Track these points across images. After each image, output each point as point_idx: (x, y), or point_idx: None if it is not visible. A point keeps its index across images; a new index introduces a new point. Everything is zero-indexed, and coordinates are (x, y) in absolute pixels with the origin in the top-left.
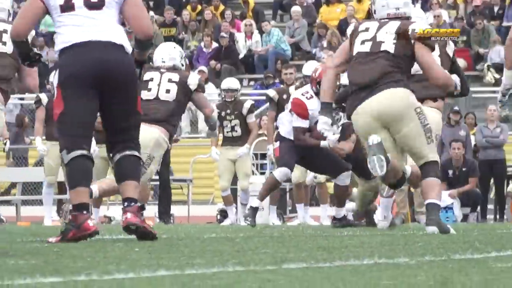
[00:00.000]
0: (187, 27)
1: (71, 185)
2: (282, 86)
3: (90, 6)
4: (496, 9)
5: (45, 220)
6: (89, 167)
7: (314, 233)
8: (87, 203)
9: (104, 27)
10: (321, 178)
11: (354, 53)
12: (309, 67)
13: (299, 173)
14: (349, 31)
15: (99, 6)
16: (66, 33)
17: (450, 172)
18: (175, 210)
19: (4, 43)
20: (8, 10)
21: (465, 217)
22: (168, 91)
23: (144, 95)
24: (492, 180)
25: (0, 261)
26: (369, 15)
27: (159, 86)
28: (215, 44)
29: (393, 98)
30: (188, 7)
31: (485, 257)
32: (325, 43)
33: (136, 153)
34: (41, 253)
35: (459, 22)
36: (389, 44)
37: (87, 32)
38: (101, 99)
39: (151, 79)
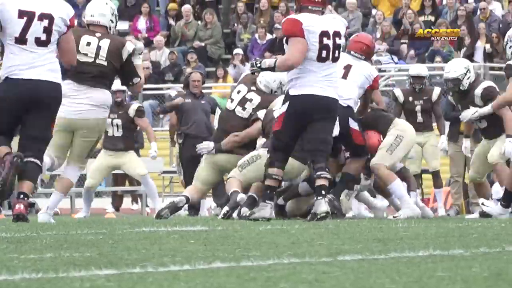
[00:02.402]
0: (240, 19)
1: None
2: None
3: None
4: None
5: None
6: None
7: (369, 225)
8: None
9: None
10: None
11: None
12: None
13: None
14: None
15: None
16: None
17: None
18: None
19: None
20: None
21: None
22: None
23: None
24: None
25: (55, 253)
26: (423, 6)
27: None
28: (269, 36)
29: None
30: None
31: None
32: (378, 34)
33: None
34: (96, 245)
35: None
36: None
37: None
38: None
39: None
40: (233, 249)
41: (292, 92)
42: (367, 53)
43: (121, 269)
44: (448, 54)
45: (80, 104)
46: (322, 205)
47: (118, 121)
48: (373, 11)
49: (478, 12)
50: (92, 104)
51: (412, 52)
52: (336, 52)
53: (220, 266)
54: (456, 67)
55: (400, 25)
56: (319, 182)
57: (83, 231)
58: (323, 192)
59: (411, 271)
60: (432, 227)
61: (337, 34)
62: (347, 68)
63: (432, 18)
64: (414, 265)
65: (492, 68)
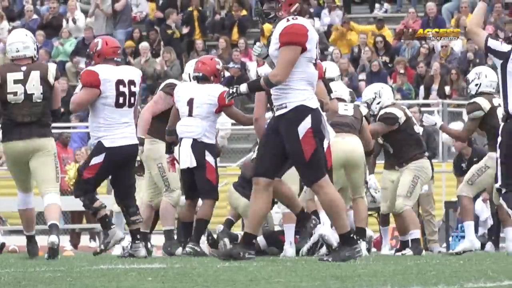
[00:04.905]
0: (198, 56)
1: None
2: None
3: None
4: None
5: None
6: None
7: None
8: None
9: None
10: None
11: None
12: None
13: None
14: None
15: None
16: None
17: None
18: None
19: None
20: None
21: (482, 246)
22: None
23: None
24: None
25: None
26: (386, 44)
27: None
28: (227, 74)
29: None
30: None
31: (498, 286)
32: None
33: None
34: (54, 282)
35: None
36: None
37: None
38: None
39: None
40: (191, 286)
41: (108, 144)
42: (208, 72)
43: None
44: (408, 93)
45: None
46: (141, 251)
47: None
48: (330, 48)
49: (439, 49)
50: None
51: None
52: (132, 98)
53: None
54: (367, 91)
55: (358, 63)
56: (133, 227)
57: (41, 269)
58: (139, 236)
59: None
60: (390, 264)
61: (131, 82)
62: (190, 103)
63: (387, 59)
64: None
65: (449, 105)
